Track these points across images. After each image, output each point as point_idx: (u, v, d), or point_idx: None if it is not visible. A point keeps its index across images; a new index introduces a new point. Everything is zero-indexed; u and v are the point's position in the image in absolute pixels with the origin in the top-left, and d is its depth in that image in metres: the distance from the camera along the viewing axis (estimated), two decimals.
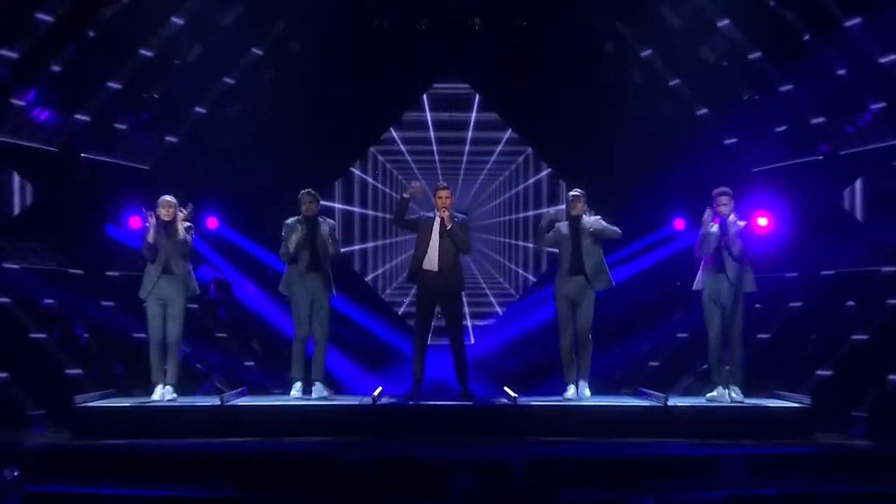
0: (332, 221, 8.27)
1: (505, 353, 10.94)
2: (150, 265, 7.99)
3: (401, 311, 11.97)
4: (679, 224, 10.44)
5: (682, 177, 10.17)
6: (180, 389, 8.16)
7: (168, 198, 8.04)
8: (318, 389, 8.10)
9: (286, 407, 7.79)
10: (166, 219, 7.98)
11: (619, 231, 7.87)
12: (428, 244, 7.93)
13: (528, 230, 12.72)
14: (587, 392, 8.08)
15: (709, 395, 8.06)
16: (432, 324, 8.09)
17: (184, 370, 8.68)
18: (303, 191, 8.15)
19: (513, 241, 13.28)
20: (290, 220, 8.10)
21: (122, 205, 9.81)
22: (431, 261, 7.94)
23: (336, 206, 11.66)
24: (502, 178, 13.10)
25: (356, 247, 12.04)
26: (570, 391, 8.00)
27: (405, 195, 7.98)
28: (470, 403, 7.86)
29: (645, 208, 10.43)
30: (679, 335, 10.25)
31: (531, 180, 12.76)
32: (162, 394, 8.03)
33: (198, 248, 9.01)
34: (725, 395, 7.91)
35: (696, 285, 8.00)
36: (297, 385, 8.11)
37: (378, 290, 12.38)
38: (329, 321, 8.09)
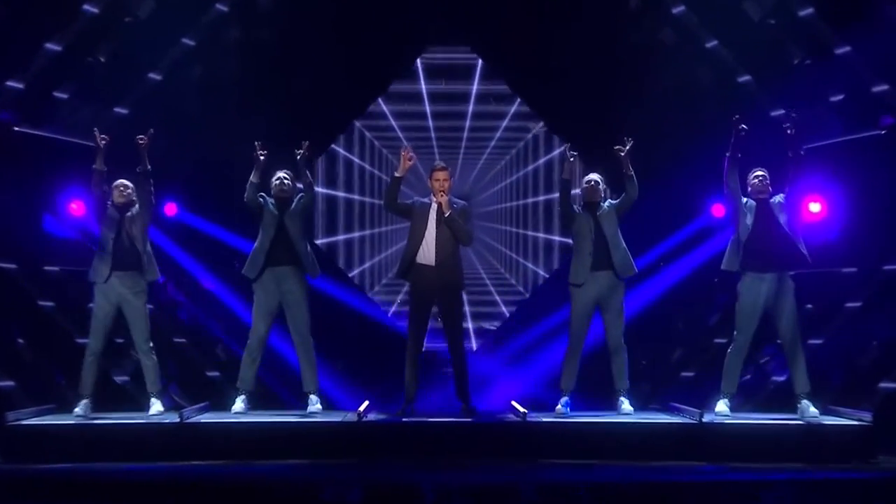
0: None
1: (513, 361, 11.01)
2: (100, 259, 8.10)
3: (391, 312, 12.00)
4: (717, 211, 10.47)
5: (720, 156, 9.75)
6: (134, 404, 8.33)
7: (123, 182, 8.15)
8: (313, 403, 8.20)
9: (256, 425, 7.75)
10: (120, 201, 8.08)
11: (635, 186, 7.96)
12: (423, 234, 7.97)
13: (538, 218, 12.76)
14: (627, 406, 8.14)
15: (718, 408, 8.12)
16: (427, 327, 8.14)
17: (135, 382, 8.81)
18: (276, 175, 8.25)
19: (521, 231, 13.23)
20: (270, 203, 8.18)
21: (63, 187, 9.80)
22: (427, 253, 7.99)
23: (318, 190, 11.70)
24: (508, 157, 13.07)
25: (341, 237, 12.06)
26: (561, 405, 8.08)
27: (396, 174, 8.00)
28: (471, 420, 7.89)
29: (677, 193, 10.46)
30: (716, 340, 10.19)
31: (542, 160, 12.69)
32: (85, 408, 8.12)
33: (154, 239, 9.01)
34: (725, 409, 8.05)
35: (729, 266, 8.11)
36: (242, 398, 8.21)
37: (365, 288, 12.43)
38: (309, 321, 8.16)
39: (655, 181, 9.56)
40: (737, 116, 7.95)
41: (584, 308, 8.10)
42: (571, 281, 8.16)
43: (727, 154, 8.01)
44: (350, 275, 12.19)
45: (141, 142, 8.04)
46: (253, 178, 8.07)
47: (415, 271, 8.07)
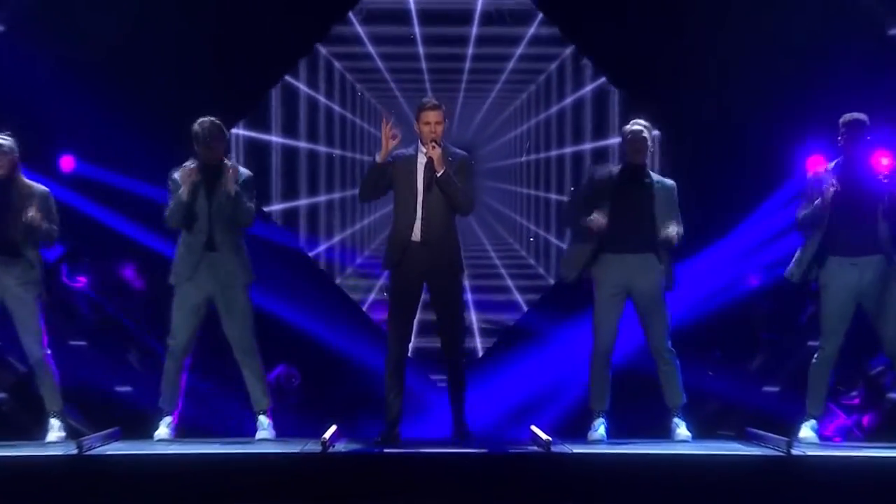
0: (245, 171, 8.39)
1: (533, 371, 11.05)
2: None
3: (366, 305, 12.02)
4: (814, 165, 9.93)
5: (819, 97, 10.24)
6: (14, 431, 8.48)
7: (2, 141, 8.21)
8: (264, 426, 8.43)
9: (185, 458, 7.61)
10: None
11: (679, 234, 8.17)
12: (407, 200, 8.03)
13: (564, 176, 12.74)
14: (684, 431, 8.29)
15: (801, 434, 8.35)
16: (413, 324, 8.27)
17: (17, 400, 9.01)
18: (201, 120, 8.24)
19: (541, 194, 13.03)
20: (178, 173, 8.26)
21: None
22: (411, 225, 8.08)
23: (273, 139, 11.83)
24: (524, 95, 12.88)
25: (303, 201, 12.19)
26: (600, 430, 8.27)
27: (375, 158, 8.05)
28: (477, 451, 7.74)
29: (759, 150, 10.53)
30: (811, 343, 9.83)
31: (569, 99, 12.55)
32: None
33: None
34: (811, 435, 8.31)
35: (791, 274, 8.39)
36: (167, 420, 8.42)
37: (332, 273, 12.41)
38: (252, 323, 8.39)
39: (726, 132, 9.98)
40: (833, 182, 8.07)
41: (607, 300, 8.29)
42: (591, 261, 8.39)
43: (802, 219, 8.31)
44: (312, 253, 12.29)
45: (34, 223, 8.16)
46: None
47: (394, 249, 8.11)
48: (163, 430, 8.40)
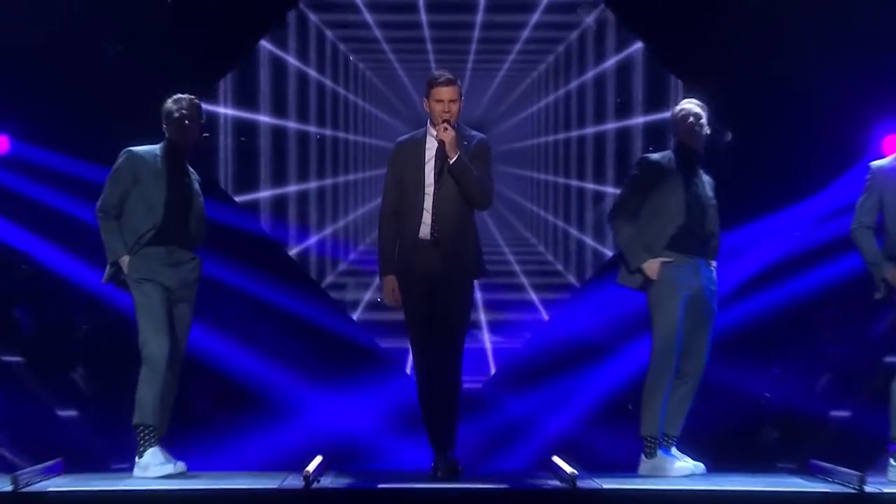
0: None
1: (548, 390, 10.93)
2: None
3: (355, 315, 11.75)
4: (892, 147, 9.92)
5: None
6: None
7: None
8: (161, 461, 8.04)
9: (139, 495, 7.30)
10: None
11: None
12: (415, 192, 7.83)
13: (588, 159, 12.48)
14: (686, 465, 8.11)
15: (891, 475, 7.99)
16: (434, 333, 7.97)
17: None
18: (178, 96, 8.17)
19: (563, 181, 12.70)
20: (138, 149, 8.14)
21: None
22: (418, 222, 7.88)
23: (262, 118, 11.75)
24: (542, 67, 12.60)
25: (292, 187, 12.03)
26: (687, 462, 8.20)
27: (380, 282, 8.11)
28: (490, 487, 7.43)
29: (827, 130, 10.42)
30: (888, 360, 9.42)
31: (591, 72, 12.25)
32: None
33: None
34: None
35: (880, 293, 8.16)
36: (154, 451, 7.97)
37: (316, 275, 12.06)
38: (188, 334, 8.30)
39: (783, 109, 10.10)
40: None
41: (678, 309, 8.13)
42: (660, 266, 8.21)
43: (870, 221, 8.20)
44: (300, 247, 12.05)
45: None
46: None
47: (401, 251, 7.90)
48: (158, 463, 7.90)
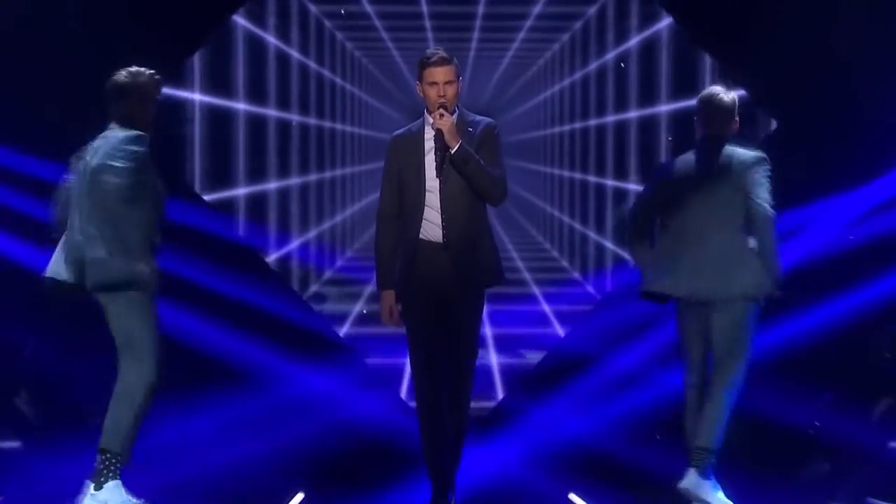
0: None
1: (571, 411, 10.57)
2: None
3: (342, 330, 11.46)
4: None
5: None
6: None
7: None
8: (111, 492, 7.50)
9: None
10: None
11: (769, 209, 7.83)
12: (415, 190, 7.61)
13: (607, 152, 12.27)
14: (708, 493, 7.70)
15: None
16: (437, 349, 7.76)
17: None
18: (134, 70, 7.64)
19: (577, 176, 12.57)
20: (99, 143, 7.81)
21: None
22: (418, 223, 7.60)
23: (241, 106, 11.46)
24: (551, 52, 12.65)
25: (272, 185, 11.77)
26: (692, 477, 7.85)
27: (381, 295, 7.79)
28: None
29: (881, 117, 10.15)
30: None
31: (611, 53, 12.00)
32: None
33: None
34: None
35: None
36: (115, 488, 7.47)
37: (298, 285, 11.91)
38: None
39: (831, 95, 9.98)
40: None
41: (688, 320, 7.90)
42: (662, 273, 7.99)
43: None
44: (281, 252, 11.80)
45: None
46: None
47: (402, 258, 7.63)
48: (110, 496, 7.38)
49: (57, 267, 7.64)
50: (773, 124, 11.08)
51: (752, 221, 7.84)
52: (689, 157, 7.84)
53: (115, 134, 7.61)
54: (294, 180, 11.88)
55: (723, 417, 7.77)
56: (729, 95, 7.88)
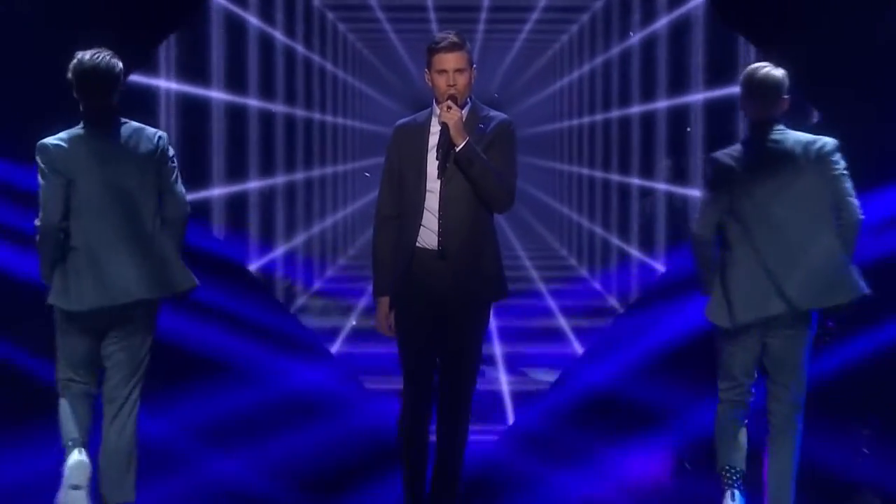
0: (161, 134, 7.38)
1: (589, 436, 9.84)
2: None
3: (334, 348, 11.10)
4: None
5: None
6: None
7: None
8: None
9: None
10: None
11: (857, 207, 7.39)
12: (415, 190, 7.31)
13: (631, 148, 12.05)
14: None
15: None
16: (433, 370, 7.38)
17: None
18: (92, 53, 7.10)
19: (598, 175, 12.50)
20: (54, 140, 7.31)
21: None
22: (418, 227, 7.29)
23: (215, 94, 11.21)
24: (564, 40, 12.84)
25: (252, 183, 11.63)
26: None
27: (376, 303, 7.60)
28: None
29: None
30: None
31: (633, 38, 11.94)
32: None
33: None
34: None
35: None
36: (76, 453, 7.15)
37: (292, 293, 11.94)
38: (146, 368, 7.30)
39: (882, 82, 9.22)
40: None
41: (741, 341, 7.47)
42: (715, 321, 7.51)
43: None
44: (262, 262, 11.56)
45: None
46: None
47: (398, 265, 7.34)
48: (74, 458, 6.91)
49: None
50: (815, 115, 10.27)
51: (839, 219, 7.22)
52: (743, 150, 7.18)
53: (146, 133, 7.05)
54: (279, 179, 11.80)
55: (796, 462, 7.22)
56: (778, 70, 7.20)
